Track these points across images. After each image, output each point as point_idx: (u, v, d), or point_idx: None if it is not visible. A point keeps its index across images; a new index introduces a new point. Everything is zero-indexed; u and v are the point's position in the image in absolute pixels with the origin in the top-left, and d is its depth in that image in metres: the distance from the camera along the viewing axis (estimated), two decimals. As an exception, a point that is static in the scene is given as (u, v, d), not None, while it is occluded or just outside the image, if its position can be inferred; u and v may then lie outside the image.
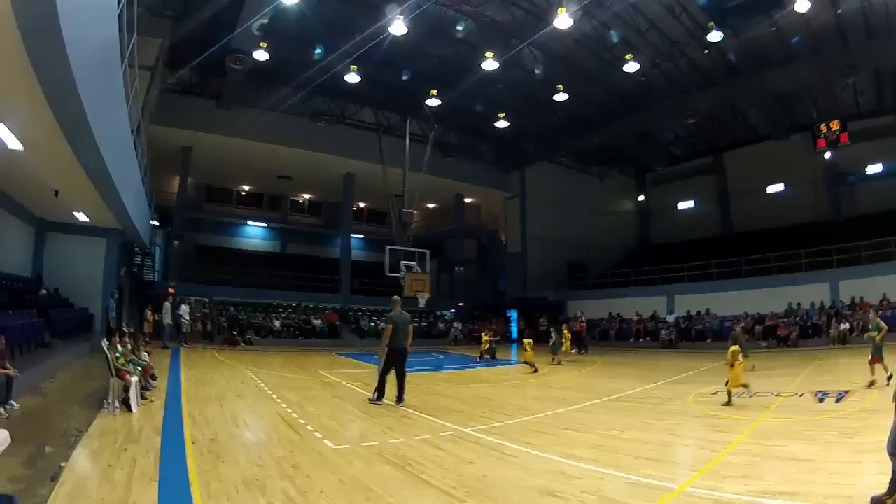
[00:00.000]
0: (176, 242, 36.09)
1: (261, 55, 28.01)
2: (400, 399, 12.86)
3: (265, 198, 48.62)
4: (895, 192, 38.64)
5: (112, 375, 11.01)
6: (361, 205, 50.86)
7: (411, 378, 13.96)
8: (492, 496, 6.14)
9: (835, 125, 37.95)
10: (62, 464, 7.03)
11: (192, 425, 9.98)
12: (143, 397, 11.69)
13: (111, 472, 6.89)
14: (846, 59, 30.66)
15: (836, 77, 32.88)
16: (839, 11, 27.01)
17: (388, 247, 31.88)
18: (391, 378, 13.07)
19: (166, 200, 37.22)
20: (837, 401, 13.07)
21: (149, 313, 26.79)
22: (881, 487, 5.81)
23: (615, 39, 29.70)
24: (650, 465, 7.96)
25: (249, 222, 47.92)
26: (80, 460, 7.40)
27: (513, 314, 45.73)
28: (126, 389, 10.93)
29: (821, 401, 13.30)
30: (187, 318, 29.16)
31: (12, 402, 10.27)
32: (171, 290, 31.74)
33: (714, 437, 9.87)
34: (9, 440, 4.70)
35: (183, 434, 9.27)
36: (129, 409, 10.71)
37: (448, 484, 6.83)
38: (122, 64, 11.49)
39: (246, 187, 47.20)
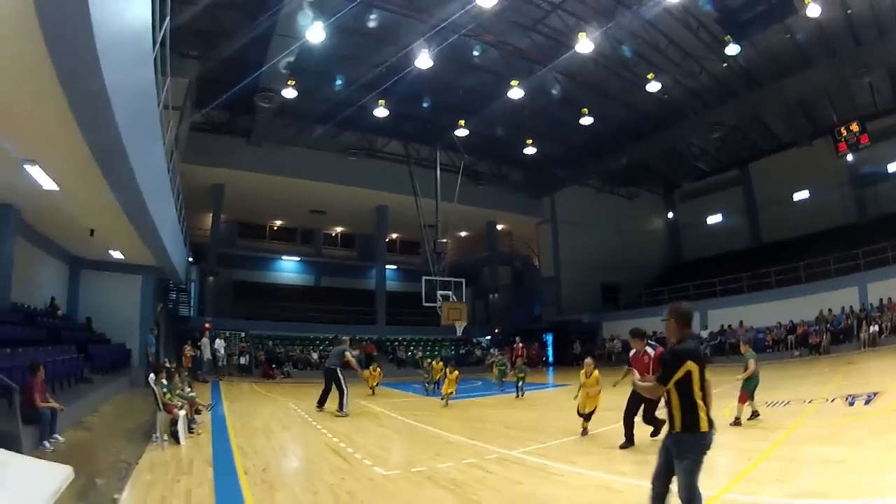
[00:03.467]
0: (211, 278, 36.50)
1: (289, 93, 28.37)
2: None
3: (298, 232, 48.90)
4: None
5: (160, 409, 11.10)
6: (394, 236, 50.95)
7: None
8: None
9: (854, 127, 37.53)
10: (115, 496, 7.02)
11: (242, 456, 10.03)
12: (190, 430, 11.77)
13: (167, 502, 6.94)
14: (860, 59, 30.68)
15: (851, 78, 32.77)
16: (849, 11, 27.18)
17: (425, 277, 32.11)
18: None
19: (200, 237, 37.72)
20: (867, 403, 13.22)
21: (187, 348, 27.19)
22: None
23: (635, 58, 29.83)
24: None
25: (283, 257, 48.15)
26: (134, 492, 7.38)
27: (548, 337, 45.51)
28: (174, 423, 11.02)
29: (851, 404, 13.43)
30: (223, 351, 29.49)
31: (57, 435, 10.30)
32: (207, 325, 31.98)
33: (748, 446, 10.03)
34: (72, 475, 4.74)
35: (234, 465, 9.33)
36: (177, 441, 10.80)
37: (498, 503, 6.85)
38: (158, 106, 11.66)
39: (278, 222, 47.57)
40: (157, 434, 10.95)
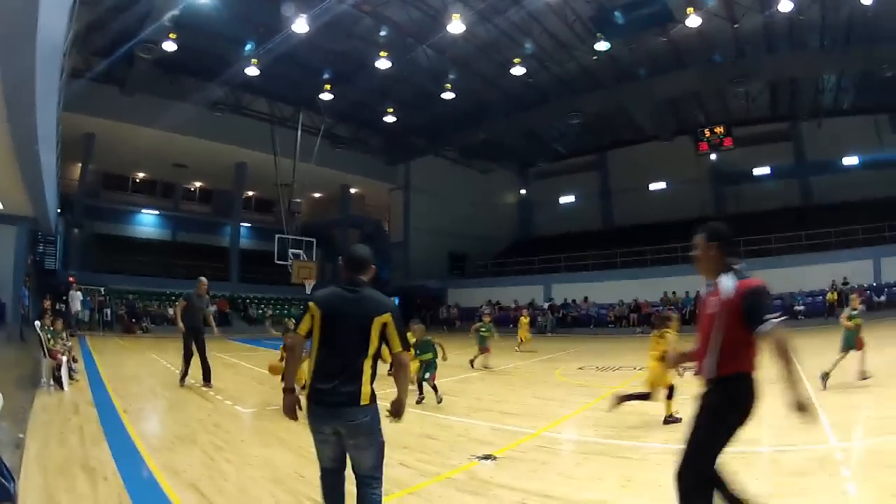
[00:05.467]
0: (76, 230, 36.45)
1: (169, 46, 28.18)
2: (205, 379, 13.45)
3: (159, 185, 48.13)
4: (780, 193, 42.41)
5: (45, 356, 12.27)
6: (251, 194, 51.19)
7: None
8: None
9: (719, 130, 40.71)
10: (20, 435, 8.07)
11: (119, 399, 11.52)
12: (70, 377, 12.86)
13: (65, 438, 8.21)
14: (739, 69, 32.96)
15: (727, 84, 35.11)
16: (736, 26, 28.78)
17: (278, 235, 33.05)
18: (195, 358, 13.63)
19: (65, 187, 36.70)
20: (696, 374, 15.26)
21: (47, 302, 26.72)
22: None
23: (505, 40, 30.74)
24: (514, 418, 10.27)
25: (143, 210, 47.61)
26: (36, 430, 8.56)
27: (394, 301, 46.83)
28: (58, 368, 12.20)
29: (680, 375, 15.51)
30: (79, 305, 29.79)
31: None
32: (71, 279, 32.10)
33: (574, 399, 12.12)
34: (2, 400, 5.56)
35: (114, 405, 10.80)
36: (61, 387, 12.04)
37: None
38: (64, 49, 12.41)
39: (141, 174, 46.84)
40: (44, 379, 12.15)
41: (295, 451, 7.69)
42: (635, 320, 35.32)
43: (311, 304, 4.49)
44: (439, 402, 11.35)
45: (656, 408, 10.09)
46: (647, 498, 6.00)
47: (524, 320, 25.51)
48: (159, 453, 7.61)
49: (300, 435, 7.49)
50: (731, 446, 5.55)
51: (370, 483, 4.41)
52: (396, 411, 4.54)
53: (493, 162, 52.57)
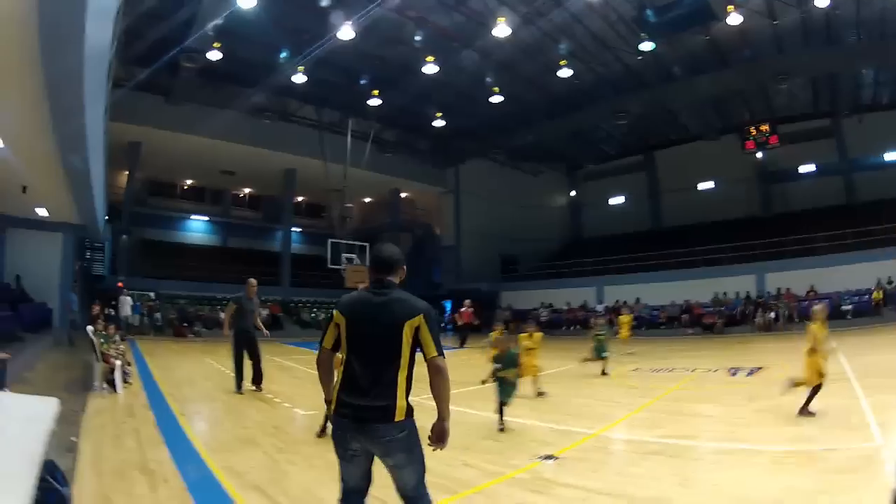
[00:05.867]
0: (124, 237, 36.63)
1: (214, 55, 28.35)
2: (256, 382, 13.09)
3: (207, 192, 48.61)
4: (825, 190, 41.29)
5: (98, 360, 12.26)
6: (301, 199, 51.04)
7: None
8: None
9: (764, 128, 40.35)
10: (73, 438, 7.89)
11: (175, 402, 11.43)
12: (124, 381, 12.76)
13: (121, 441, 8.11)
14: (780, 66, 32.54)
15: (769, 81, 34.60)
16: (776, 23, 28.54)
17: (330, 240, 33.07)
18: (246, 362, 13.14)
19: (113, 195, 37.12)
20: (749, 374, 14.97)
21: (96, 307, 26.72)
22: (770, 439, 8.10)
23: (550, 43, 30.57)
24: (573, 419, 10.19)
25: (192, 216, 47.99)
26: (89, 434, 8.44)
27: (447, 304, 46.78)
28: (111, 372, 12.17)
29: (733, 374, 15.22)
30: (129, 311, 30.01)
31: (6, 388, 10.44)
32: (120, 284, 32.44)
33: (630, 401, 11.96)
34: (59, 405, 5.47)
35: (170, 408, 10.72)
36: (114, 390, 11.98)
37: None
38: (109, 58, 12.37)
39: (188, 181, 47.38)
40: (97, 383, 12.08)
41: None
42: (687, 321, 34.66)
43: (335, 311, 4.29)
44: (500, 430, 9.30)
45: (710, 408, 10.69)
46: (707, 496, 6.14)
47: (626, 318, 24.18)
48: (219, 455, 7.52)
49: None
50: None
51: (416, 502, 4.13)
52: (438, 437, 4.07)
53: (541, 164, 52.34)
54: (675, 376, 15.57)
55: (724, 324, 32.37)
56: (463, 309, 30.43)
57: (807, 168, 43.60)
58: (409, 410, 3.98)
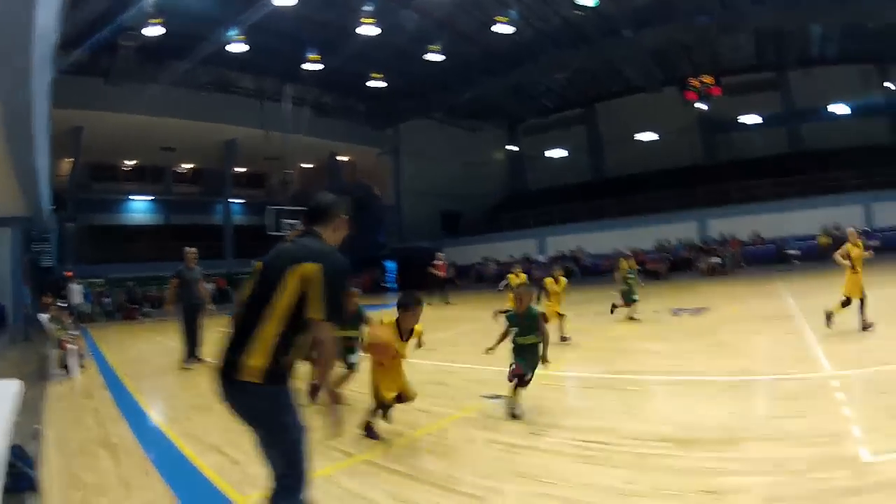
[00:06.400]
0: (70, 225, 36.44)
1: (154, 31, 27.94)
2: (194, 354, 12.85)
3: (148, 171, 47.69)
4: (770, 140, 42.62)
5: (54, 346, 12.56)
6: (242, 170, 50.14)
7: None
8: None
9: (707, 79, 41.05)
10: (36, 426, 7.96)
11: (131, 380, 11.74)
12: (80, 365, 12.94)
13: (82, 421, 8.37)
14: (726, 20, 33.21)
15: (715, 35, 35.50)
16: None
17: (269, 206, 33.19)
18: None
19: (56, 183, 36.42)
20: (693, 314, 15.81)
21: (47, 298, 27.11)
22: (718, 371, 8.81)
23: (491, 3, 31.12)
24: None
25: (135, 197, 47.32)
26: (52, 418, 8.66)
27: (391, 265, 47.41)
28: (67, 356, 12.39)
29: (676, 314, 16.08)
30: (78, 298, 29.69)
31: None
32: (69, 274, 32.00)
33: (577, 341, 12.57)
34: (23, 387, 5.51)
35: (126, 386, 11.02)
36: (70, 374, 12.18)
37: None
38: (54, 45, 12.32)
39: (130, 162, 46.51)
40: (54, 370, 12.26)
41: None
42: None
43: (256, 263, 3.85)
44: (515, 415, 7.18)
45: (657, 345, 11.29)
46: (652, 423, 6.43)
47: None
48: (177, 423, 7.91)
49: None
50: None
51: (275, 490, 3.50)
52: (331, 414, 3.59)
53: (481, 120, 52.83)
54: (618, 317, 16.00)
55: (669, 269, 33.31)
56: (438, 262, 29.38)
57: (752, 118, 44.43)
58: (270, 375, 3.36)
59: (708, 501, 4.53)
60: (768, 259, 34.39)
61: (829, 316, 11.43)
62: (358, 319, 8.12)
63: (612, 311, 16.27)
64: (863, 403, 6.82)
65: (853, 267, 11.51)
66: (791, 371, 8.41)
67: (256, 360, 3.33)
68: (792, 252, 33.12)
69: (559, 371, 9.50)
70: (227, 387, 3.44)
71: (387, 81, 40.61)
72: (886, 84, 40.95)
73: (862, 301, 11.18)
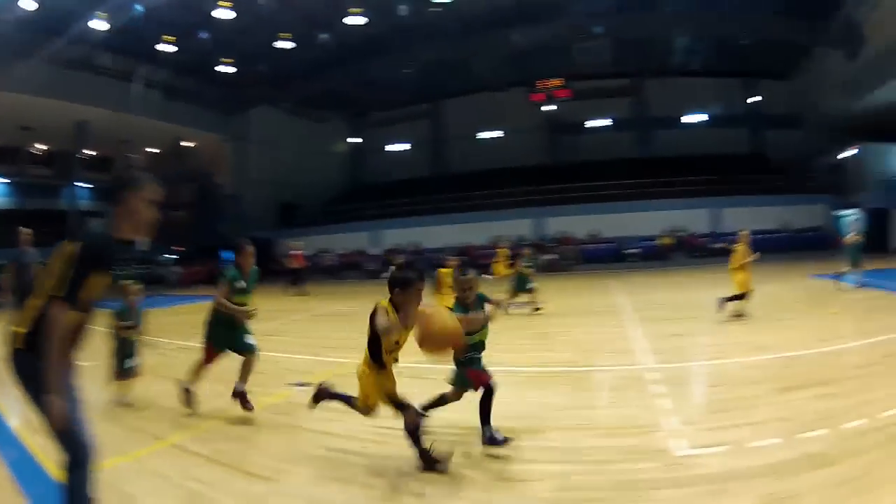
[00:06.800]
0: None
1: (28, 4, 27.84)
2: None
3: (6, 151, 44.72)
4: (620, 144, 45.67)
5: None
6: (94, 153, 47.44)
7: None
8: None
9: (556, 82, 42.69)
10: None
11: None
12: None
13: None
14: (586, 26, 35.24)
15: (573, 40, 37.43)
16: None
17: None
18: None
19: None
20: (523, 308, 16.12)
21: None
22: (532, 362, 9.54)
23: None
24: (335, 351, 11.42)
25: None
26: None
27: (229, 255, 46.11)
28: None
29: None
30: None
31: None
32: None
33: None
34: None
35: None
36: None
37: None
38: None
39: None
40: None
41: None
42: (469, 264, 35.48)
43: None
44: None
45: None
46: (458, 411, 6.35)
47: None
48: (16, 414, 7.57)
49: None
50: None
51: (65, 462, 3.54)
52: (51, 405, 3.39)
53: (328, 111, 53.36)
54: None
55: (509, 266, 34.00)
56: (294, 252, 29.21)
57: (601, 122, 47.17)
58: (32, 343, 3.46)
59: (500, 488, 4.79)
60: (608, 258, 36.00)
61: (722, 303, 13.16)
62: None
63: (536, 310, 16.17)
64: (681, 397, 7.22)
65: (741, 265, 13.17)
66: (611, 363, 9.03)
67: (20, 328, 3.53)
68: (631, 251, 34.73)
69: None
70: (8, 356, 3.55)
71: (240, 68, 40.59)
72: (752, 98, 45.00)
73: (739, 296, 13.02)
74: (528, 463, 5.27)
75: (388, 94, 50.16)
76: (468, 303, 5.98)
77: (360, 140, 56.69)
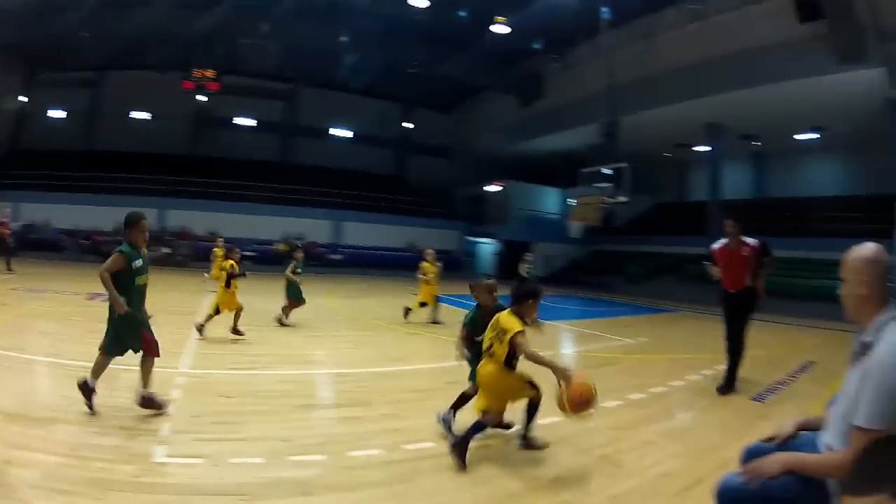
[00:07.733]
0: None
1: None
2: None
3: None
4: (261, 145, 47.92)
5: None
6: None
7: None
8: None
9: (209, 73, 42.31)
10: None
11: None
12: None
13: None
14: (254, 23, 35.95)
15: (242, 34, 37.79)
16: None
17: None
18: None
19: None
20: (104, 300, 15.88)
21: None
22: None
23: None
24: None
25: None
26: None
27: None
28: None
29: (92, 299, 16.47)
30: None
31: None
32: None
33: None
34: None
35: None
36: None
37: None
38: None
39: None
40: None
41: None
42: (88, 247, 35.36)
43: None
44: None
45: (48, 325, 12.12)
46: None
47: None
48: None
49: None
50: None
51: None
52: None
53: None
54: (47, 297, 16.55)
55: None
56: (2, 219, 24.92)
57: (247, 121, 48.28)
58: None
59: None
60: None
61: (407, 312, 15.13)
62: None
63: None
64: (188, 404, 7.39)
65: (428, 281, 15.28)
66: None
67: None
68: (249, 253, 35.21)
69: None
70: None
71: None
72: (405, 124, 50.81)
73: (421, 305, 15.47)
74: (24, 450, 5.34)
75: (65, 53, 45.62)
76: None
77: (25, 100, 50.11)
